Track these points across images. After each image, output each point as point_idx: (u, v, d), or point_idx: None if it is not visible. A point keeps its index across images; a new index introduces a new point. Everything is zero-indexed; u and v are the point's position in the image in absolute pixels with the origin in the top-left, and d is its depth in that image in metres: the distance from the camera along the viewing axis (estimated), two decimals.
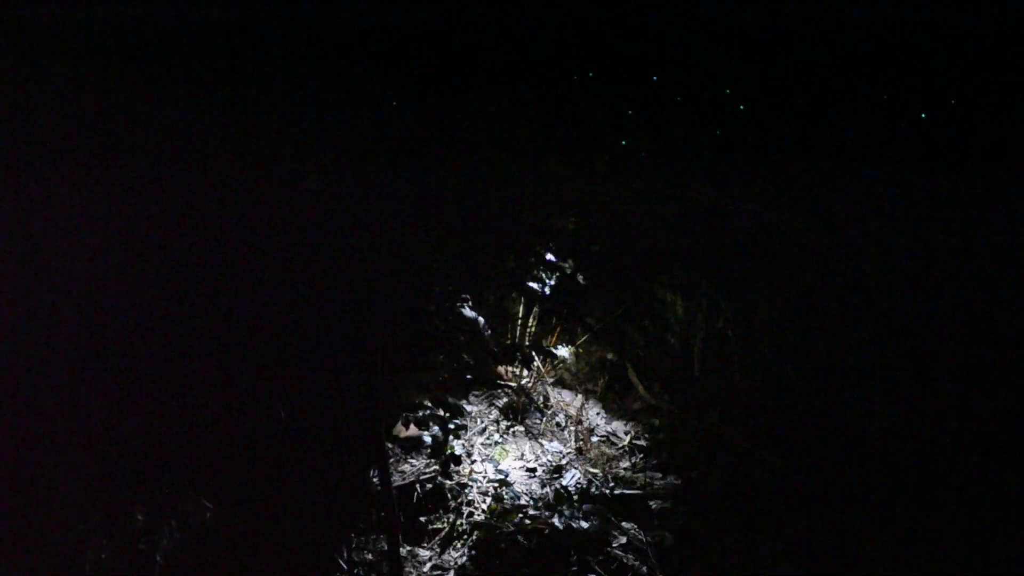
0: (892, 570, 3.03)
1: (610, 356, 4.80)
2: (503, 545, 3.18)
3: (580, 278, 4.16)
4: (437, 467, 3.64)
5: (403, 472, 3.67)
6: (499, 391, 4.54)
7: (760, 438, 4.00)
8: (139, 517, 2.82)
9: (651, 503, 3.65)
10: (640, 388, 4.74)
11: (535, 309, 4.62)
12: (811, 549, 3.26)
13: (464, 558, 3.10)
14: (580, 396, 4.61)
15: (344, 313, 2.99)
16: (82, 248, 2.88)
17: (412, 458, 3.85)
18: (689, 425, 4.44)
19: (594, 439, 4.30)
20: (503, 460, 3.99)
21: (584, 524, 3.36)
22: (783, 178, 3.55)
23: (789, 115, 3.56)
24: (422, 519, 3.34)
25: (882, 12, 3.34)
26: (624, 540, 3.33)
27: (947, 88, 3.42)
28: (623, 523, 3.46)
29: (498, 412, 4.46)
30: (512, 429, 4.33)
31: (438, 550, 3.14)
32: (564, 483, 3.78)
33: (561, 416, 4.49)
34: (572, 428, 4.37)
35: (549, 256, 3.70)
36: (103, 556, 2.66)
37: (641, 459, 4.13)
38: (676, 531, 3.45)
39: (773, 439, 3.94)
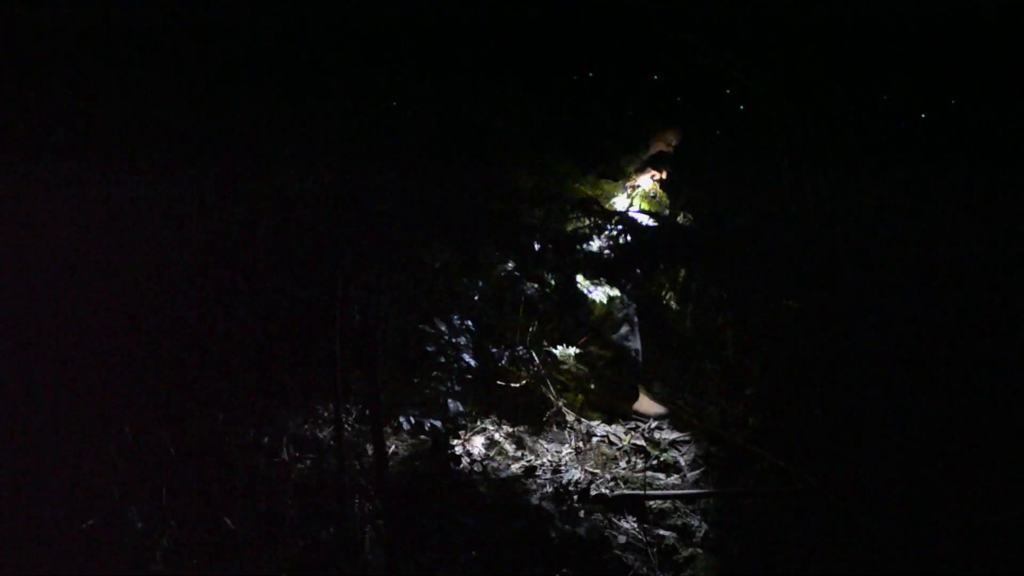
0: (892, 570, 3.03)
1: (610, 356, 4.79)
2: (503, 545, 3.18)
3: (580, 278, 4.16)
4: (437, 467, 3.64)
5: (403, 472, 3.66)
6: (499, 391, 4.53)
7: (760, 438, 4.00)
8: (137, 519, 2.81)
9: (651, 503, 3.65)
10: (640, 388, 4.74)
11: (535, 309, 4.62)
12: (811, 548, 3.26)
13: (464, 558, 3.09)
14: (580, 396, 4.61)
15: (344, 314, 2.99)
16: (78, 248, 2.88)
17: (412, 458, 3.85)
18: (689, 425, 4.45)
19: (593, 439, 4.30)
20: (502, 460, 3.98)
21: (584, 524, 3.36)
22: (783, 175, 3.55)
23: (789, 114, 3.56)
24: (421, 519, 3.33)
25: (881, 11, 3.34)
26: (624, 540, 3.33)
27: (947, 87, 3.42)
28: (623, 523, 3.46)
29: (497, 412, 4.45)
30: (512, 429, 4.33)
31: (437, 550, 3.13)
32: (563, 483, 3.77)
33: (561, 416, 4.49)
34: (571, 428, 4.37)
35: (549, 256, 3.70)
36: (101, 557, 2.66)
37: (641, 459, 4.13)
38: (676, 531, 3.45)
39: (773, 438, 3.94)
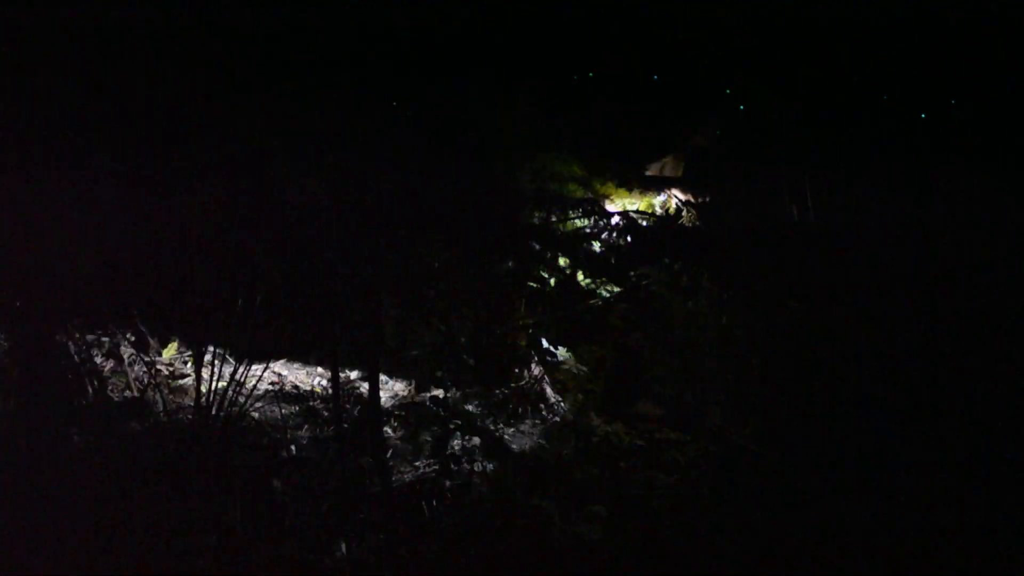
0: (890, 570, 3.03)
1: (610, 356, 4.80)
2: (503, 545, 3.17)
3: (580, 278, 4.15)
4: (437, 467, 3.63)
5: (403, 471, 3.66)
6: (499, 391, 4.53)
7: (761, 437, 4.00)
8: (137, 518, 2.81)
9: (651, 503, 3.65)
10: (640, 388, 4.73)
11: (535, 309, 4.62)
12: (810, 548, 3.26)
13: (464, 558, 3.09)
14: (580, 396, 4.61)
15: (344, 313, 2.99)
16: (75, 247, 2.88)
17: (413, 458, 3.84)
18: (689, 425, 4.44)
19: (594, 439, 4.29)
20: (503, 460, 3.98)
21: (584, 524, 3.36)
22: (784, 174, 3.55)
23: (789, 114, 3.57)
24: (422, 519, 3.33)
25: (881, 12, 3.34)
26: (623, 540, 3.33)
27: (947, 87, 3.43)
28: (623, 523, 3.45)
29: (498, 412, 4.45)
30: (512, 429, 4.33)
31: (438, 550, 3.13)
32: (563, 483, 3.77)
33: (560, 416, 4.49)
34: (571, 428, 4.37)
35: (549, 256, 3.70)
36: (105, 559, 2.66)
37: (641, 459, 4.12)
38: (676, 530, 3.45)
39: (774, 438, 3.93)
